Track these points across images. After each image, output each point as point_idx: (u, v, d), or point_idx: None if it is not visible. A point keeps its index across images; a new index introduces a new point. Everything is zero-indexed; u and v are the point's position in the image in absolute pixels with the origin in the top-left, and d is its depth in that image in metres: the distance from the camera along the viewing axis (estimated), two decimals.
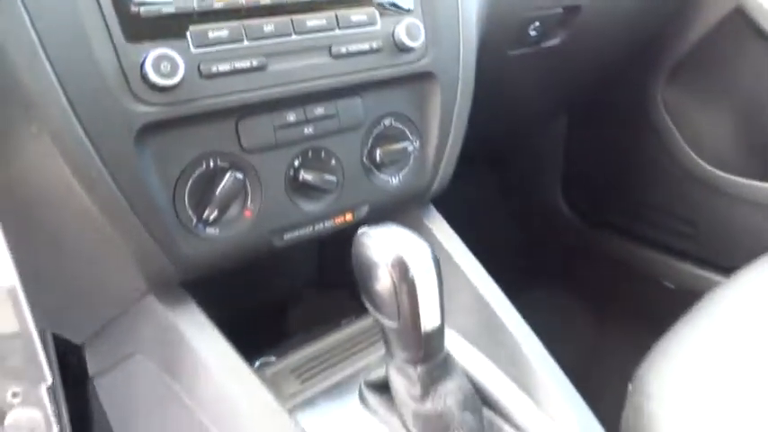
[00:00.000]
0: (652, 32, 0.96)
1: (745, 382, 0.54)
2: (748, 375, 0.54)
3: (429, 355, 0.45)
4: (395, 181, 0.58)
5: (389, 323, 0.44)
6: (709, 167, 1.02)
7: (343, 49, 0.51)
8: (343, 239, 0.46)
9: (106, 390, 0.57)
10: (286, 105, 0.49)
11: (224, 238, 0.49)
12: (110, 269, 0.48)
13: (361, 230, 0.45)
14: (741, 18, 0.91)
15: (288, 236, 0.53)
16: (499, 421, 0.49)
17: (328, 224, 0.55)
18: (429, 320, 0.43)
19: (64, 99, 0.39)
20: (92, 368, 0.56)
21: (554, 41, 0.81)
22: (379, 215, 0.55)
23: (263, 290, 0.70)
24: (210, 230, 0.48)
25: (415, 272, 0.42)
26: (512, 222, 1.36)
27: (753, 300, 0.64)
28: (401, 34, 0.52)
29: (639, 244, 1.19)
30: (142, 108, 0.42)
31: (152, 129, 0.43)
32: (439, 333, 0.45)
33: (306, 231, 0.54)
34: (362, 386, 0.50)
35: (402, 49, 0.53)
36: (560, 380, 0.52)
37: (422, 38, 0.54)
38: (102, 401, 0.62)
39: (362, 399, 0.50)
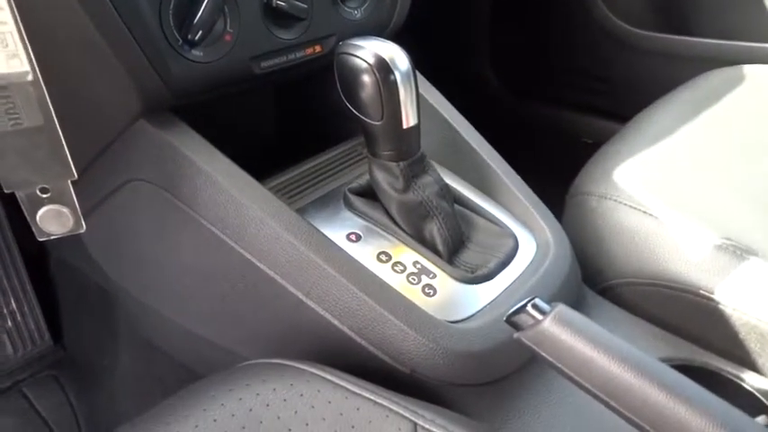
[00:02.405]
0: None
1: (675, 174, 0.64)
2: (679, 170, 0.64)
3: (409, 151, 0.51)
4: (358, 14, 0.61)
5: (375, 123, 0.49)
6: (620, 23, 1.11)
7: None
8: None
9: (97, 228, 0.60)
10: None
11: (208, 60, 0.51)
12: (104, 91, 0.50)
13: (342, 43, 0.50)
14: None
15: (265, 63, 0.56)
16: (467, 212, 0.58)
17: (300, 54, 0.59)
18: (409, 118, 0.49)
19: None
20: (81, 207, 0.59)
21: None
22: None
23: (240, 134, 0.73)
24: (196, 52, 0.51)
25: (396, 74, 0.48)
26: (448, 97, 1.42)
27: (678, 116, 0.74)
28: None
29: (561, 106, 1.28)
30: None
31: None
32: (417, 131, 0.51)
33: (281, 60, 0.57)
34: (347, 192, 0.56)
35: None
36: (525, 188, 0.60)
37: None
38: (89, 245, 0.65)
39: (347, 203, 0.56)
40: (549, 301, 0.39)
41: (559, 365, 0.38)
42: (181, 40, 0.49)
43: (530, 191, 0.60)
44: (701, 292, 0.52)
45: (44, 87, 0.38)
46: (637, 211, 0.59)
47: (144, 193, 0.54)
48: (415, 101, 0.50)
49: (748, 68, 0.87)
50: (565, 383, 0.46)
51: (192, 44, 0.50)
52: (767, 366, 0.50)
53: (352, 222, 0.54)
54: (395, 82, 0.48)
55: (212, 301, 0.55)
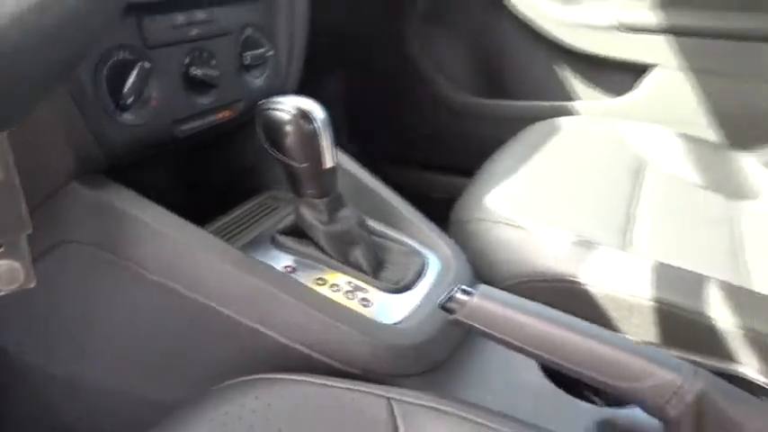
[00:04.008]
0: None
1: (530, 197, 0.78)
2: (531, 194, 0.79)
3: (330, 189, 0.60)
4: (259, 81, 0.70)
5: (300, 165, 0.57)
6: (454, 93, 1.32)
7: None
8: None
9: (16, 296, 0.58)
10: (177, 8, 0.58)
11: (137, 124, 0.56)
12: (41, 154, 0.52)
13: (264, 101, 0.58)
14: None
15: (185, 126, 0.62)
16: (380, 239, 0.66)
17: (214, 117, 0.65)
18: (329, 160, 0.58)
19: None
20: None
21: None
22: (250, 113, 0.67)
23: None
24: (127, 116, 0.55)
25: (316, 122, 0.57)
26: None
27: (519, 159, 0.91)
28: None
29: (413, 167, 1.44)
30: None
31: None
32: (335, 171, 0.60)
33: (198, 123, 0.63)
34: (275, 234, 0.63)
35: None
36: (422, 218, 0.71)
37: None
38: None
39: (277, 243, 0.62)
40: None
41: (493, 333, 0.48)
42: (113, 105, 0.54)
43: (426, 220, 0.71)
44: (567, 278, 0.66)
45: (6, 141, 0.40)
46: (507, 225, 0.72)
47: (77, 255, 0.55)
48: (332, 146, 0.59)
49: (557, 120, 1.09)
50: (489, 359, 0.56)
51: (124, 109, 0.55)
52: (631, 329, 0.64)
53: (285, 258, 0.61)
54: (314, 129, 0.56)
55: (155, 354, 0.57)
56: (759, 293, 0.67)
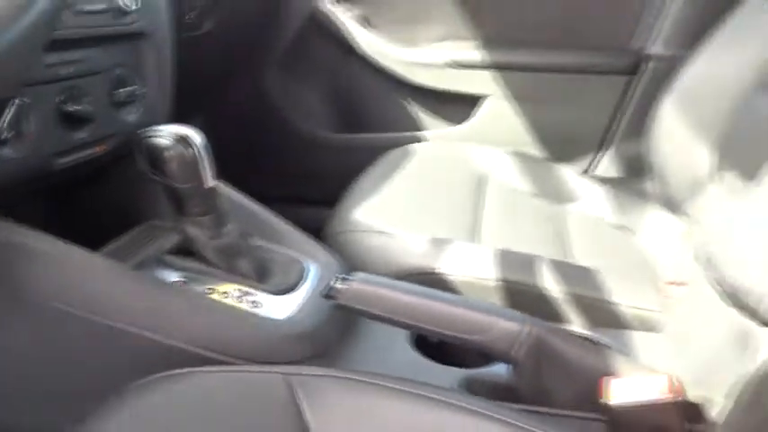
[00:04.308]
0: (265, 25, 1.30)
1: (390, 210, 0.88)
2: (390, 207, 0.90)
3: (213, 206, 0.65)
4: (132, 117, 0.74)
5: (184, 186, 0.62)
6: (312, 130, 1.41)
7: (82, 8, 0.66)
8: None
9: None
10: (51, 48, 0.62)
11: (16, 158, 0.58)
12: None
13: (145, 130, 0.63)
14: (315, 19, 1.34)
15: (62, 160, 0.64)
16: (264, 251, 0.72)
17: (90, 151, 0.68)
18: (209, 180, 0.64)
19: None
20: None
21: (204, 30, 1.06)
22: (124, 147, 0.71)
23: None
24: (5, 150, 0.57)
25: (195, 146, 0.62)
26: None
27: (377, 181, 1.02)
28: (121, 1, 0.70)
29: (283, 203, 1.49)
30: None
31: None
32: (215, 190, 0.65)
33: (75, 157, 0.66)
34: (161, 256, 0.66)
35: (124, 12, 0.71)
36: (299, 232, 0.78)
37: (135, 6, 0.72)
38: None
39: (165, 263, 0.66)
40: None
41: (371, 311, 0.56)
42: None
43: (303, 232, 0.78)
44: (428, 271, 0.76)
45: None
46: (374, 233, 0.82)
47: None
48: (211, 167, 0.64)
49: (409, 147, 1.22)
50: (369, 341, 0.64)
51: (2, 143, 0.57)
52: None
53: (174, 275, 0.65)
54: (194, 152, 0.62)
55: (51, 383, 0.57)
56: (578, 265, 0.83)
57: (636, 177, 1.27)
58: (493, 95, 1.35)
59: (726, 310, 0.54)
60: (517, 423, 0.47)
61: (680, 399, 0.47)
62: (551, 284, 0.75)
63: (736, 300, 0.51)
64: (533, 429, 0.46)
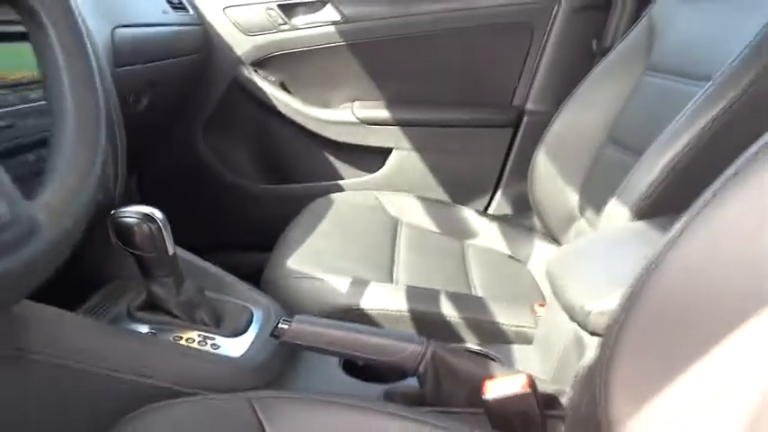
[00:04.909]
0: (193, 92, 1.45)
1: (318, 257, 1.05)
2: (319, 252, 1.07)
3: (174, 269, 0.80)
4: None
5: (150, 255, 0.77)
6: (239, 182, 1.57)
7: None
8: None
9: None
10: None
11: None
12: None
13: (114, 212, 0.76)
14: (238, 85, 1.50)
15: None
16: (216, 301, 0.87)
17: None
18: (170, 248, 0.79)
19: None
20: None
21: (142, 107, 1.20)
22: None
23: None
24: None
25: (159, 221, 0.77)
26: None
27: (307, 227, 1.18)
28: None
29: (220, 252, 1.62)
30: None
31: None
32: (176, 255, 0.80)
33: None
34: (130, 310, 0.80)
35: None
36: (245, 283, 0.93)
37: None
38: None
39: (134, 318, 0.79)
40: None
41: (308, 344, 0.72)
42: None
43: (245, 282, 0.94)
44: (353, 307, 0.94)
45: None
46: (305, 278, 0.98)
47: None
48: (170, 237, 0.79)
49: (330, 197, 1.40)
50: (308, 368, 0.80)
51: None
52: None
53: (144, 327, 0.78)
54: (158, 226, 0.77)
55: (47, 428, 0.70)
56: (472, 294, 1.03)
57: (525, 214, 1.51)
58: (399, 148, 1.56)
59: (570, 323, 0.75)
60: (425, 420, 0.65)
61: (534, 391, 0.66)
62: (450, 311, 0.95)
63: (570, 315, 0.72)
64: (437, 423, 0.64)
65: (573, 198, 1.28)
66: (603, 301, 0.66)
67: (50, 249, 0.47)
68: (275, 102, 1.53)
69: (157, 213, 0.78)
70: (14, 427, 0.70)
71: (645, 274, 0.50)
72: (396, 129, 1.55)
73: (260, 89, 1.52)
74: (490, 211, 1.59)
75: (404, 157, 1.57)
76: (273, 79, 1.54)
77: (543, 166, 1.32)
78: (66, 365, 0.68)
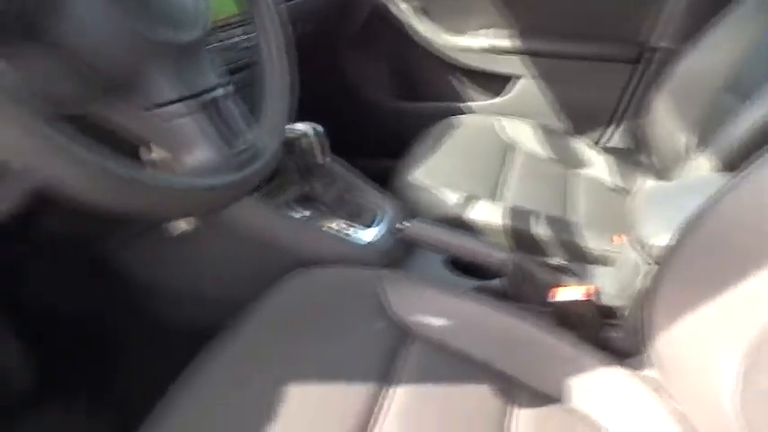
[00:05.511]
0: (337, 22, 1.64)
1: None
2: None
3: (325, 173, 1.04)
4: None
5: (310, 161, 1.01)
6: (374, 97, 1.77)
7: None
8: None
9: None
10: None
11: None
12: None
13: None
14: (378, 11, 1.67)
15: None
16: (353, 198, 1.11)
17: None
18: (325, 156, 1.02)
19: None
20: None
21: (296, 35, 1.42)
22: None
23: None
24: None
25: (320, 134, 1.00)
26: None
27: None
28: None
29: (355, 155, 1.88)
30: None
31: None
32: (328, 162, 1.03)
33: None
34: (289, 202, 1.06)
35: None
36: (375, 186, 1.16)
37: None
38: None
39: (291, 207, 1.05)
40: None
41: (425, 242, 0.94)
42: None
43: (377, 187, 1.16)
44: (463, 218, 1.14)
45: None
46: (424, 188, 1.19)
47: None
48: (326, 147, 1.02)
49: (453, 118, 1.56)
50: (418, 261, 1.03)
51: None
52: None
53: (299, 215, 1.04)
54: (317, 140, 1.00)
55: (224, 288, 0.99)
56: (568, 219, 1.19)
57: (636, 150, 1.58)
58: (523, 76, 1.67)
59: (636, 252, 0.90)
60: (505, 309, 0.85)
61: (593, 301, 0.84)
62: (544, 230, 1.12)
63: (637, 245, 0.87)
64: (514, 312, 0.84)
65: (684, 139, 1.34)
66: (662, 237, 0.81)
67: (266, 168, 0.66)
68: (411, 28, 1.68)
69: (318, 128, 1.01)
70: (198, 278, 1.00)
71: (701, 212, 0.63)
72: (521, 57, 1.65)
73: (397, 16, 1.67)
74: (602, 143, 1.68)
75: (525, 86, 1.68)
76: (413, 5, 1.68)
77: (662, 106, 1.38)
78: (241, 235, 0.95)
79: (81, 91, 0.47)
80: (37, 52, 0.44)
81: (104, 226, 0.90)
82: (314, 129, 1.00)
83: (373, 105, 1.77)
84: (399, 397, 0.70)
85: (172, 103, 0.54)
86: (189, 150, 0.55)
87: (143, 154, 0.59)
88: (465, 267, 1.03)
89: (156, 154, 0.57)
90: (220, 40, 0.93)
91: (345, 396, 0.68)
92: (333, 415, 0.66)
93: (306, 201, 1.06)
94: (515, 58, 1.66)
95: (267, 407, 0.65)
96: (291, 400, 0.66)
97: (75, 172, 0.39)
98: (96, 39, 0.47)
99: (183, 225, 0.83)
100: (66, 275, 1.04)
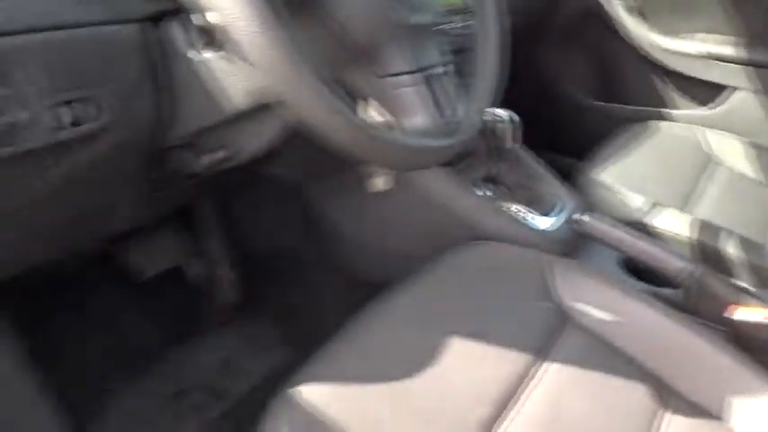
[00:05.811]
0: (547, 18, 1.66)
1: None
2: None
3: (512, 157, 1.09)
4: None
5: (499, 144, 1.07)
6: (574, 95, 1.76)
7: None
8: None
9: None
10: None
11: None
12: None
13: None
14: (588, 6, 1.65)
15: None
16: (535, 185, 1.15)
17: None
18: (516, 141, 1.07)
19: None
20: None
21: None
22: None
23: None
24: None
25: (515, 121, 1.05)
26: None
27: None
28: None
29: (543, 149, 1.90)
30: None
31: None
32: (516, 147, 1.09)
33: None
34: (476, 180, 1.13)
35: None
36: (558, 178, 1.19)
37: None
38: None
39: (476, 185, 1.13)
40: None
41: (601, 238, 0.96)
42: None
43: (560, 179, 1.19)
44: (642, 222, 1.12)
45: None
46: (608, 188, 1.19)
47: None
48: (516, 133, 1.07)
49: (648, 123, 1.51)
50: (592, 258, 1.04)
51: None
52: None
53: (482, 193, 1.11)
54: (511, 124, 1.05)
55: (414, 236, 1.09)
56: (758, 242, 1.11)
57: None
58: (740, 88, 1.55)
59: None
60: (683, 320, 0.83)
61: None
62: (733, 250, 1.06)
63: None
64: (687, 323, 0.82)
65: None
66: None
67: (468, 139, 0.74)
68: (621, 25, 1.63)
69: (515, 117, 1.06)
70: (383, 233, 1.10)
71: None
72: (743, 68, 1.53)
73: (608, 11, 1.63)
74: None
75: (742, 99, 1.55)
76: (631, 3, 1.63)
77: None
78: (428, 201, 1.04)
79: (340, 56, 0.59)
80: (316, 23, 0.57)
81: (316, 176, 1.05)
82: (510, 116, 1.06)
83: (568, 101, 1.77)
84: (551, 374, 0.74)
85: (401, 74, 0.64)
86: (408, 115, 0.65)
87: (364, 113, 0.69)
88: (638, 271, 1.02)
89: (378, 114, 0.68)
90: (444, 25, 1.01)
91: (502, 358, 0.74)
92: (489, 371, 0.72)
93: (490, 181, 1.12)
94: (735, 68, 1.54)
95: (430, 353, 0.70)
96: (453, 351, 0.71)
97: (331, 120, 0.51)
98: (355, 13, 0.59)
99: (380, 184, 0.94)
100: (278, 215, 1.22)
